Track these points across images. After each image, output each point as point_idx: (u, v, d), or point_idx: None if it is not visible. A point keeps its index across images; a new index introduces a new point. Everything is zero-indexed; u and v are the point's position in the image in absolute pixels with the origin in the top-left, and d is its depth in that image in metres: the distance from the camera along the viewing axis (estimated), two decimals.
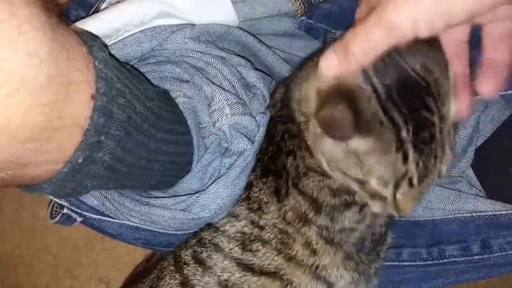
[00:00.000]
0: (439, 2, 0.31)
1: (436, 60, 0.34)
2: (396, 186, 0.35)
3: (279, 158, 0.49)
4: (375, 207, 0.39)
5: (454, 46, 0.39)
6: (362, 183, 0.37)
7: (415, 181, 0.33)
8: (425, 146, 0.32)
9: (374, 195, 0.39)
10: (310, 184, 0.47)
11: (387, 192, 0.36)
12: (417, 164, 0.32)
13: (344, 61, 0.34)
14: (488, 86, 0.36)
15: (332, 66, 0.35)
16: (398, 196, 0.36)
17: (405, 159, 0.32)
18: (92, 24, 0.43)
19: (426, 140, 0.32)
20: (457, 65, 0.38)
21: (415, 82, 0.33)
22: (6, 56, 0.25)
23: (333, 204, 0.46)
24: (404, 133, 0.32)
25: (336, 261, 0.48)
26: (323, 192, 0.46)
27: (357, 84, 0.33)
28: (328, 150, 0.39)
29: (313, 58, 0.46)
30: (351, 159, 0.36)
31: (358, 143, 0.33)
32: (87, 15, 0.48)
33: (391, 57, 0.33)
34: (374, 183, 0.37)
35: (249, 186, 0.50)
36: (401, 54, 0.33)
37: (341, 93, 0.33)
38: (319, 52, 0.40)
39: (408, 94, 0.33)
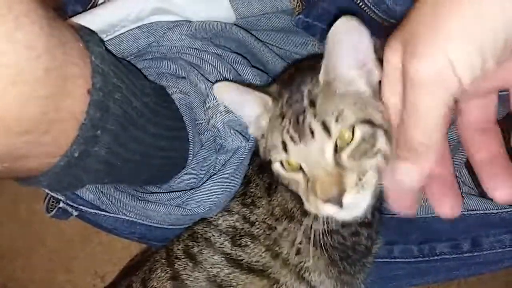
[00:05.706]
0: (479, 18, 0.23)
1: None
2: (284, 144, 0.39)
3: None
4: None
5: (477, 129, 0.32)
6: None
7: (291, 131, 0.38)
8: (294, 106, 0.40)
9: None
10: None
11: (280, 153, 0.40)
12: (290, 119, 0.39)
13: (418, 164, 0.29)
14: (502, 190, 0.30)
15: (411, 175, 0.30)
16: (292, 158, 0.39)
17: (283, 118, 0.40)
18: (89, 19, 0.43)
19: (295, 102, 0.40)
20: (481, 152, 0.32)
21: None
22: (3, 49, 0.26)
23: None
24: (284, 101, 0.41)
25: (319, 266, 0.48)
26: None
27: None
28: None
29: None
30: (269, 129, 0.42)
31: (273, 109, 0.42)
32: (84, 10, 0.48)
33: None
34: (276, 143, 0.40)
35: (247, 182, 0.51)
36: None
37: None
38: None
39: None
